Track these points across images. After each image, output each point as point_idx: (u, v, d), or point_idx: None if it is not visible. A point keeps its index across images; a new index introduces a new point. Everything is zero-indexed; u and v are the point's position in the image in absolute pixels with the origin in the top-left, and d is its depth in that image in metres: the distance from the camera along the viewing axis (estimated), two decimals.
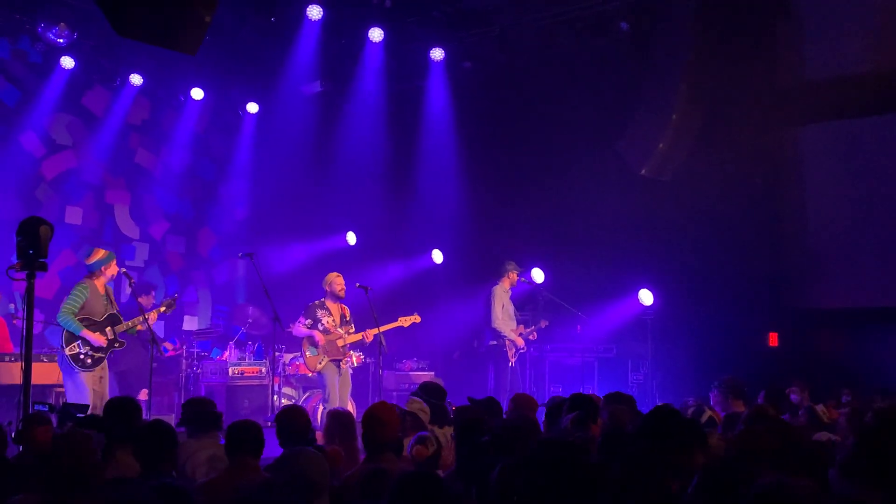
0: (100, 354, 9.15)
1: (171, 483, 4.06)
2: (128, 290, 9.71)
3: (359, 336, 10.60)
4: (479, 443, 4.84)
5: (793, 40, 11.63)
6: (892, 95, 10.94)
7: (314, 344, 10.47)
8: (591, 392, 8.50)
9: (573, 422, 5.43)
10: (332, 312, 10.62)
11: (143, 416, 7.92)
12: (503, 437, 4.73)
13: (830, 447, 5.38)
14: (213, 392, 11.48)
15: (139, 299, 10.45)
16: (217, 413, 5.81)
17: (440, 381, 11.51)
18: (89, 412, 8.28)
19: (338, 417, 6.09)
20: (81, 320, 9.06)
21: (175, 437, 4.91)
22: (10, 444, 5.69)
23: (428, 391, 6.77)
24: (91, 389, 8.98)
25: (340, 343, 10.51)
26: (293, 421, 5.48)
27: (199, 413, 5.76)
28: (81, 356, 9.04)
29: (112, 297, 9.50)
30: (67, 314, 9.05)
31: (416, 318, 11.07)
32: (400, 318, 10.98)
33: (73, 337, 9.04)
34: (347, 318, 10.75)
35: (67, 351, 9.02)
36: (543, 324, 11.94)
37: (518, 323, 11.91)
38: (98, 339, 9.10)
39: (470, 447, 4.97)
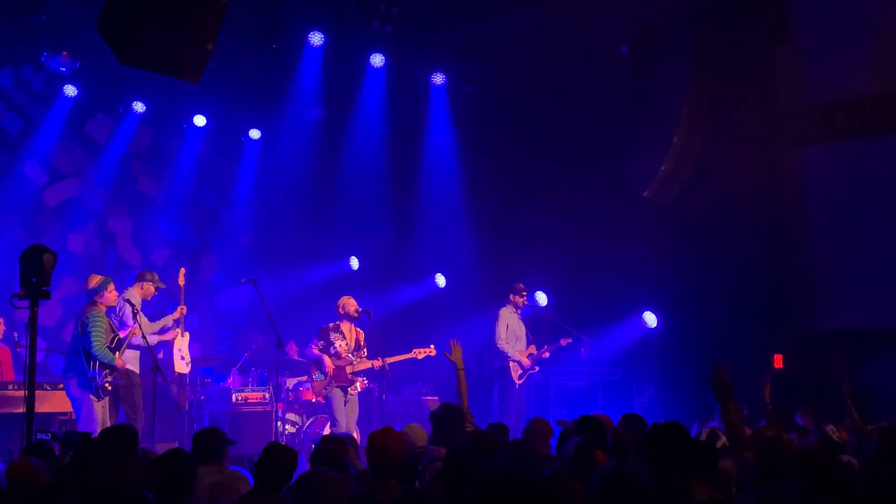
0: (117, 382, 9.25)
1: None
2: (129, 317, 9.70)
3: (369, 364, 10.56)
4: (461, 463, 4.78)
5: (793, 62, 11.66)
6: (893, 116, 10.96)
7: (322, 369, 10.43)
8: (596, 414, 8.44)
9: (577, 448, 5.00)
10: (346, 336, 10.61)
11: (147, 444, 7.95)
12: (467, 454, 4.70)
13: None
14: (216, 418, 11.42)
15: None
16: (221, 442, 5.83)
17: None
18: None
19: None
20: None
21: (190, 467, 4.93)
22: None
23: (442, 408, 6.76)
24: (100, 416, 9.05)
25: (349, 370, 10.48)
26: (335, 450, 5.63)
27: (206, 443, 5.81)
28: (108, 386, 9.12)
29: (112, 324, 9.49)
30: (102, 347, 9.05)
31: (432, 351, 10.99)
32: (415, 350, 10.94)
33: (104, 367, 9.09)
34: (361, 344, 10.72)
35: (102, 381, 9.05)
36: (564, 342, 11.77)
37: (529, 343, 11.84)
38: (123, 365, 9.21)
39: (454, 469, 4.94)
